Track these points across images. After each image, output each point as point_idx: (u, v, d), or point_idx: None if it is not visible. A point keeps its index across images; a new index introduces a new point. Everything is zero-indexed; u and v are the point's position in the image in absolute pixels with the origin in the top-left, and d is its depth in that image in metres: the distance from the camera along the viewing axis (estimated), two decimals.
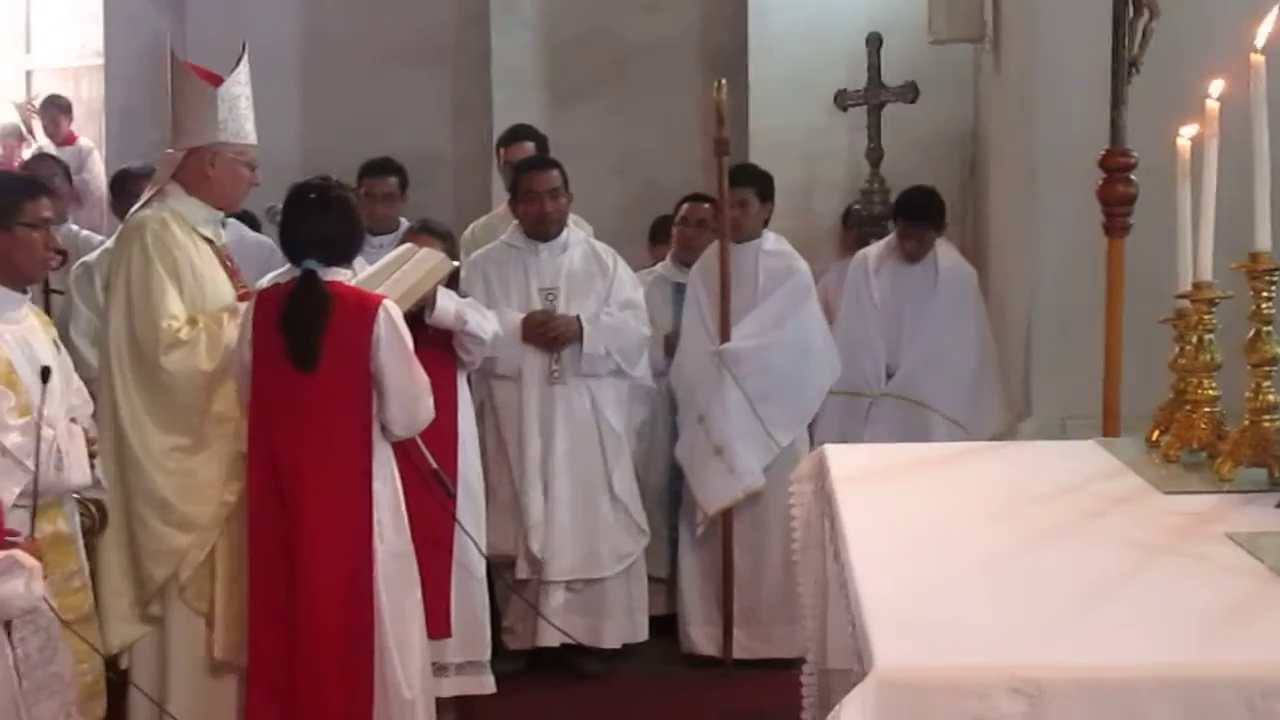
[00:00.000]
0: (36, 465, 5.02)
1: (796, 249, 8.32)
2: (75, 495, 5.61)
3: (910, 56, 10.09)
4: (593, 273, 7.93)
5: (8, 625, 4.75)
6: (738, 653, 7.97)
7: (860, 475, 4.66)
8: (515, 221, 8.04)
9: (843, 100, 10.35)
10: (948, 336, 8.26)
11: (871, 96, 10.28)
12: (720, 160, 7.82)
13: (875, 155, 10.25)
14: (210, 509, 5.96)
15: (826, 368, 8.10)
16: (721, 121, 7.80)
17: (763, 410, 7.84)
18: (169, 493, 5.96)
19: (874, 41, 10.20)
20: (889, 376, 8.34)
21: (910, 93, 10.14)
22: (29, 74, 14.65)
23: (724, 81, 7.91)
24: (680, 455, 8.09)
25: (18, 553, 4.66)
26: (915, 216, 8.47)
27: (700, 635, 8.11)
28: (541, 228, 7.90)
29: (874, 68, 10.22)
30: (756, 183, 8.24)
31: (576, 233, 8.10)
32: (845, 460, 4.86)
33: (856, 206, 10.15)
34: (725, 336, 7.87)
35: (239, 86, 6.19)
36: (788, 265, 8.14)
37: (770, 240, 8.22)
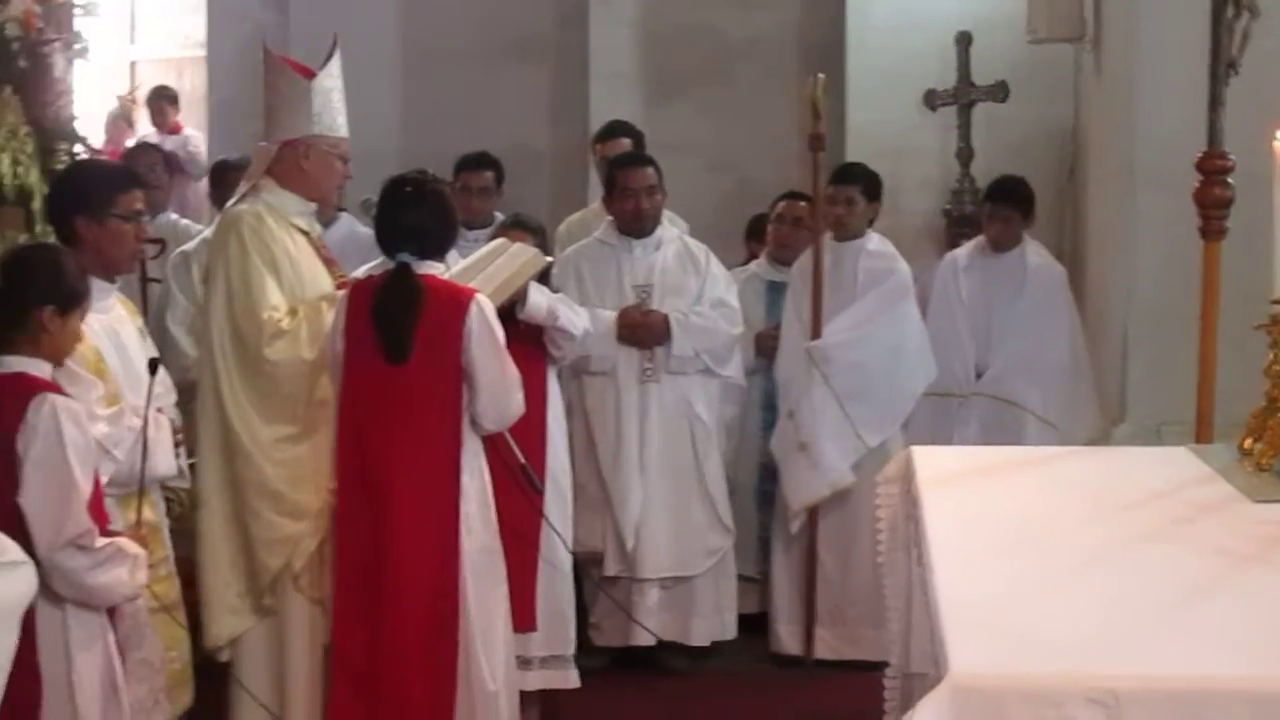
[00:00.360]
0: (145, 445, 5.05)
1: (895, 244, 8.28)
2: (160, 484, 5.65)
3: (1007, 55, 10.02)
4: (686, 270, 7.91)
5: (111, 612, 4.78)
6: (824, 653, 7.95)
7: (947, 477, 4.64)
8: (609, 218, 8.04)
9: (932, 100, 10.31)
10: (1038, 335, 8.18)
11: (961, 95, 10.22)
12: (815, 156, 7.79)
13: (965, 155, 10.19)
14: (320, 496, 5.96)
15: (921, 370, 8.04)
16: (817, 117, 7.77)
17: (851, 409, 7.80)
18: (279, 483, 5.97)
19: (963, 40, 10.16)
20: (979, 376, 8.27)
21: (1000, 92, 10.07)
22: (133, 64, 14.78)
23: (821, 76, 7.88)
24: (773, 450, 8.07)
25: (122, 540, 4.69)
26: (1000, 198, 8.41)
27: (788, 634, 8.08)
28: (636, 225, 7.90)
29: (963, 66, 10.17)
30: (863, 181, 8.19)
31: (670, 230, 8.08)
32: (932, 462, 4.83)
33: (947, 207, 10.09)
34: (817, 334, 7.84)
35: (331, 79, 6.21)
36: (887, 266, 8.09)
37: (874, 241, 8.18)
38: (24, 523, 4.45)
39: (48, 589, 4.46)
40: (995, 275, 8.37)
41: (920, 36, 10.31)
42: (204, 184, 10.80)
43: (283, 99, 6.18)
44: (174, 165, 11.93)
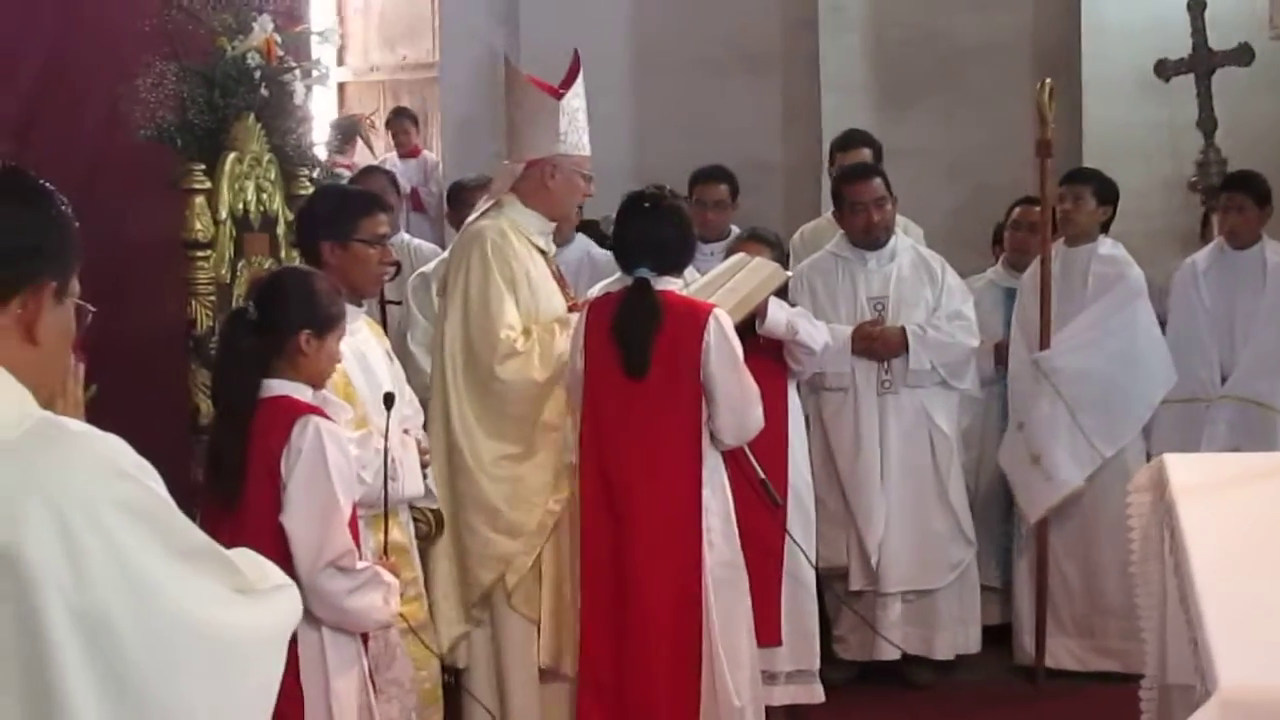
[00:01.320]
0: (386, 478, 5.10)
1: (1134, 250, 8.14)
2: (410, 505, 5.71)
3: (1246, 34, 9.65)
4: (921, 280, 7.83)
5: (364, 636, 4.81)
6: (1071, 665, 7.85)
7: (1202, 485, 4.55)
8: (840, 231, 7.99)
9: (1164, 70, 9.72)
10: None
11: (1199, 63, 9.62)
12: (1043, 162, 7.68)
13: (1209, 125, 9.63)
14: (537, 516, 6.01)
15: (1159, 377, 7.90)
16: (1045, 122, 7.65)
17: (1083, 419, 7.68)
18: (498, 500, 6.02)
19: (1197, 6, 9.59)
20: (1224, 380, 8.10)
21: (1246, 55, 9.44)
22: (341, 86, 14.84)
23: (1048, 81, 7.76)
24: (1002, 461, 7.98)
25: (378, 567, 4.74)
26: (1235, 186, 8.23)
27: (1033, 645, 7.97)
28: (869, 237, 7.83)
29: (1199, 31, 9.59)
30: (1094, 182, 8.08)
31: (903, 240, 8.01)
32: (1186, 470, 4.74)
33: (1193, 179, 9.63)
34: (1045, 343, 7.72)
35: (578, 99, 6.24)
36: (1119, 271, 7.97)
37: (1105, 245, 8.05)
38: (287, 544, 4.52)
39: (306, 611, 4.51)
40: (1235, 276, 8.19)
41: (1158, 34, 10.03)
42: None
43: (529, 117, 6.22)
44: (416, 202, 12.03)
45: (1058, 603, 7.91)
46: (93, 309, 2.85)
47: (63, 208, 2.76)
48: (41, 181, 2.77)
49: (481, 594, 6.08)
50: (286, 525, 4.54)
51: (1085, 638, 7.89)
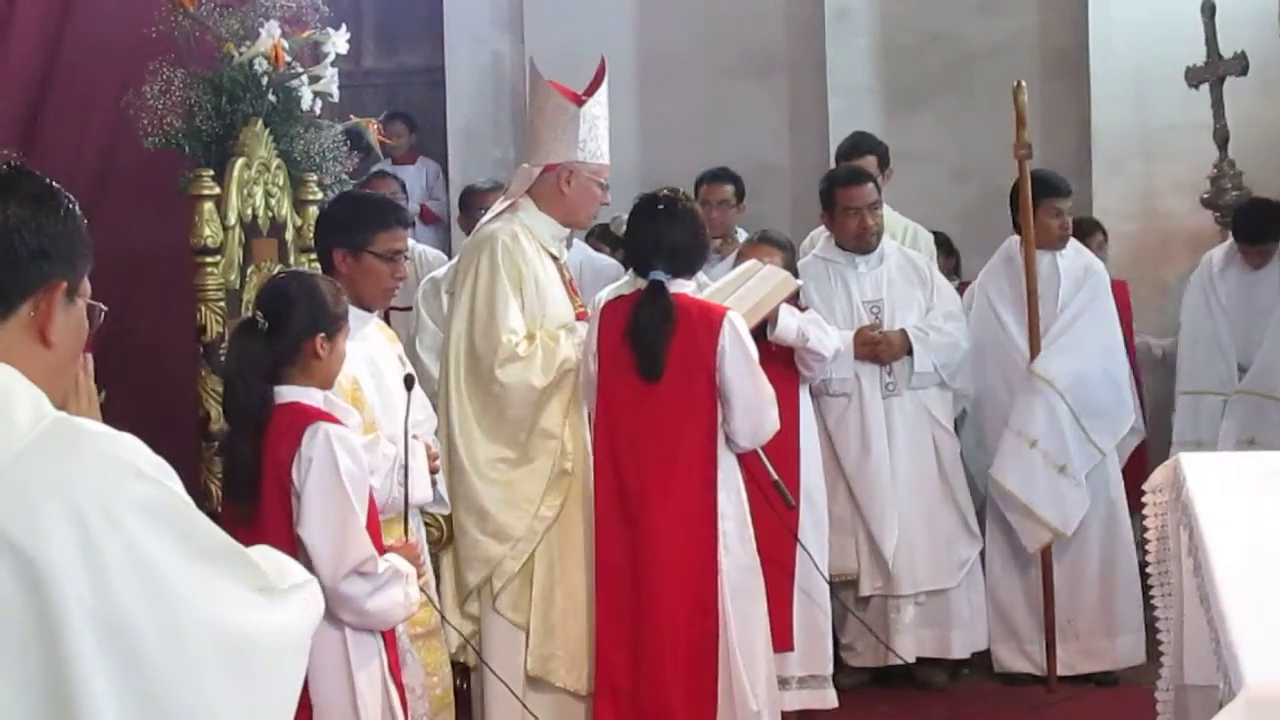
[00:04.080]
0: (405, 478, 5.06)
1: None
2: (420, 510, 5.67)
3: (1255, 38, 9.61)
4: (911, 282, 7.80)
5: (387, 632, 4.76)
6: (1062, 670, 7.76)
7: (1219, 484, 4.53)
8: (827, 234, 7.96)
9: (1193, 78, 9.63)
10: None
11: (1211, 72, 9.54)
12: (1022, 164, 7.68)
13: (1222, 136, 9.54)
14: (526, 521, 5.99)
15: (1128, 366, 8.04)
16: (1022, 124, 7.65)
17: (1086, 421, 7.65)
18: (488, 502, 6.00)
19: (1208, 10, 9.49)
20: (1241, 375, 8.23)
21: (1241, 63, 9.36)
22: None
23: (1022, 82, 7.75)
24: (1012, 484, 7.67)
25: (395, 558, 4.68)
26: (1257, 238, 8.30)
27: (1008, 651, 7.94)
28: (862, 242, 7.78)
29: (1211, 40, 9.51)
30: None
31: (889, 243, 7.96)
32: (1203, 469, 4.71)
33: (1205, 195, 9.59)
34: (1035, 349, 7.67)
35: (599, 106, 6.23)
36: (1085, 263, 8.03)
37: (1070, 244, 8.07)
38: (302, 552, 4.46)
39: (327, 613, 4.47)
40: (1254, 279, 8.34)
41: (1166, 33, 9.99)
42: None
43: (549, 122, 6.21)
44: (427, 215, 11.92)
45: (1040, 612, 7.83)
46: (104, 308, 2.84)
47: (70, 207, 2.73)
48: (48, 181, 2.74)
49: (467, 594, 6.07)
50: (304, 536, 4.48)
51: (1069, 641, 7.80)
